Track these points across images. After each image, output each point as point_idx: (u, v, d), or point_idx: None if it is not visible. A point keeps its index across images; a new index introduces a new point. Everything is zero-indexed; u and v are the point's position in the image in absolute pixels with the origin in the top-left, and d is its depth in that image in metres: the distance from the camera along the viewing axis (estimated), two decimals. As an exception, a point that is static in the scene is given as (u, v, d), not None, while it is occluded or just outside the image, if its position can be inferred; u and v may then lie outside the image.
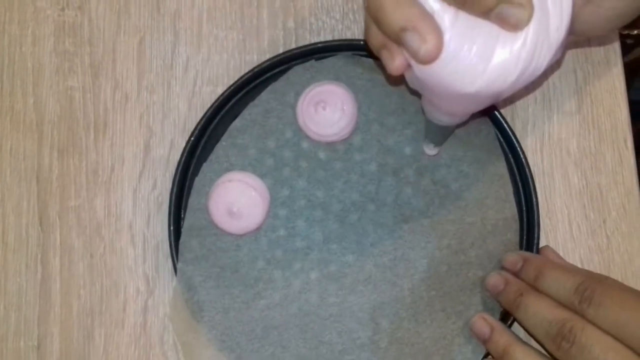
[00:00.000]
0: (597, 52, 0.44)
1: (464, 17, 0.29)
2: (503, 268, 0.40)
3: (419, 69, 0.30)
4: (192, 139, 0.42)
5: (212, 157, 0.42)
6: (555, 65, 0.43)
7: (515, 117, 0.43)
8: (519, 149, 0.42)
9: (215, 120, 0.43)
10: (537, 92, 0.44)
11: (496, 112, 0.42)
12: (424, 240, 0.41)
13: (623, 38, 0.45)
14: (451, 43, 0.29)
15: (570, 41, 0.31)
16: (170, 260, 0.42)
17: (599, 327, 0.33)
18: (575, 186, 0.43)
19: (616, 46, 0.44)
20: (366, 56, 0.43)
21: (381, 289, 0.41)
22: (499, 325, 0.39)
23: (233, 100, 0.43)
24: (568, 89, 0.44)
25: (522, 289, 0.37)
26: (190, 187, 0.42)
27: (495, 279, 0.39)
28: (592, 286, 0.34)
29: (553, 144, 0.43)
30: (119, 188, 0.44)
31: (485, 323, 0.39)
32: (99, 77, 0.45)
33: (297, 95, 0.43)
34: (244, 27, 0.45)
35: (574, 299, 0.35)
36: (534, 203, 0.41)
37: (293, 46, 0.44)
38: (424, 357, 0.40)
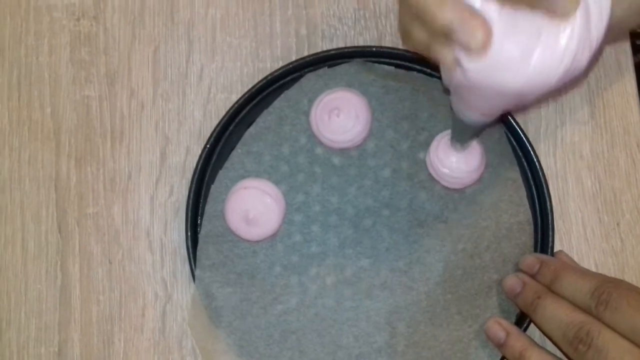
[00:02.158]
0: (609, 56, 0.44)
1: (507, 13, 0.29)
2: (520, 270, 0.40)
3: (467, 65, 0.30)
4: (208, 146, 0.43)
5: (228, 164, 0.43)
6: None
7: (528, 121, 0.44)
8: (532, 152, 0.42)
9: (230, 128, 0.44)
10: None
11: (509, 117, 0.42)
12: (439, 244, 0.42)
13: (633, 39, 0.45)
14: (497, 37, 0.29)
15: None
16: (187, 265, 0.42)
17: (616, 331, 0.34)
18: (589, 189, 0.43)
19: (627, 50, 0.44)
20: (378, 62, 0.44)
21: (397, 293, 0.41)
22: (514, 330, 0.39)
23: (247, 108, 0.44)
24: (580, 93, 0.44)
25: (539, 292, 0.38)
26: (206, 194, 0.43)
27: (513, 281, 0.40)
28: (608, 290, 0.35)
29: (566, 148, 0.43)
30: (136, 195, 0.44)
31: (501, 327, 0.39)
32: (114, 85, 0.45)
33: (311, 102, 0.43)
34: (257, 35, 0.46)
35: (591, 303, 0.35)
36: (548, 206, 0.41)
37: (305, 53, 0.45)
38: None
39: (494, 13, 0.29)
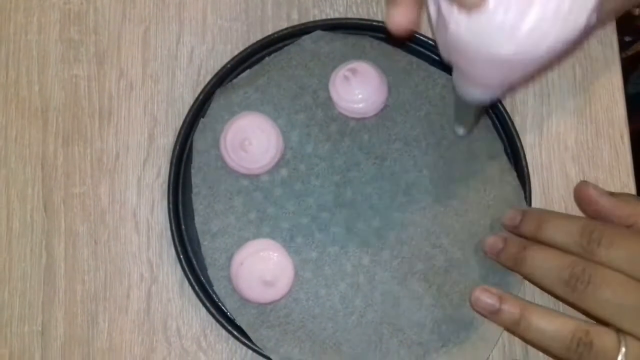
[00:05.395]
0: (596, 49, 0.45)
1: None
2: (503, 229, 0.40)
3: (457, 24, 0.30)
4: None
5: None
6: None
7: (515, 111, 0.44)
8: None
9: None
10: (536, 88, 0.45)
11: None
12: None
13: (622, 35, 0.46)
14: None
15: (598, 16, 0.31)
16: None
17: (611, 267, 0.33)
18: (573, 180, 0.43)
19: (614, 44, 0.44)
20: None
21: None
22: (506, 295, 0.37)
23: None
24: (567, 85, 0.44)
25: (524, 243, 0.37)
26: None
27: (493, 239, 0.39)
28: (598, 228, 0.34)
29: (551, 138, 0.44)
30: (124, 175, 0.44)
31: (490, 294, 0.38)
32: (104, 65, 0.45)
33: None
34: (248, 19, 0.46)
35: (582, 241, 0.34)
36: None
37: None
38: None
39: None
